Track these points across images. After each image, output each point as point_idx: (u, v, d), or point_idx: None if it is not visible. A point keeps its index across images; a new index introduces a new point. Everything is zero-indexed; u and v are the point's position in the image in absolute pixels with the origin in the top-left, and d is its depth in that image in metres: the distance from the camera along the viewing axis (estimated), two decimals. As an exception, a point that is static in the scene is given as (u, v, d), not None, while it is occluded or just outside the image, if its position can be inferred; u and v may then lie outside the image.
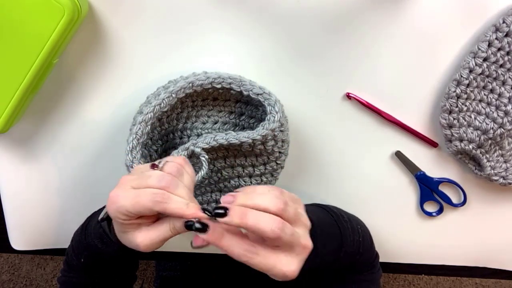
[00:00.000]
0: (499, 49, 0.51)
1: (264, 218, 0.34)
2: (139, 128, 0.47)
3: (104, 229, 0.45)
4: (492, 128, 0.54)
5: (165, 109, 0.48)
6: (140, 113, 0.50)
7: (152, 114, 0.47)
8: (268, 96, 0.49)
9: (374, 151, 0.60)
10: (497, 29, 0.50)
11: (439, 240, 0.65)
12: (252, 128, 0.55)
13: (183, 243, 0.62)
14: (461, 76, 0.52)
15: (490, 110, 0.54)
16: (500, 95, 0.54)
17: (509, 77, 0.53)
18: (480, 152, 0.55)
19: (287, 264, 0.36)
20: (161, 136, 0.55)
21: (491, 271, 0.68)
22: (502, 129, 0.54)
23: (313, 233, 0.39)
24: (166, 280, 0.80)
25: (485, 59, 0.51)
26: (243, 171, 0.53)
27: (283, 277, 0.36)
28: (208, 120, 0.55)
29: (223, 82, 0.49)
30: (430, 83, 0.56)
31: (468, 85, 0.52)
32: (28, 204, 0.62)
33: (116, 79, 0.55)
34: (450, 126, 0.55)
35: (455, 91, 0.53)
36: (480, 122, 0.54)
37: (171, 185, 0.37)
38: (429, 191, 0.61)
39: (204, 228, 0.34)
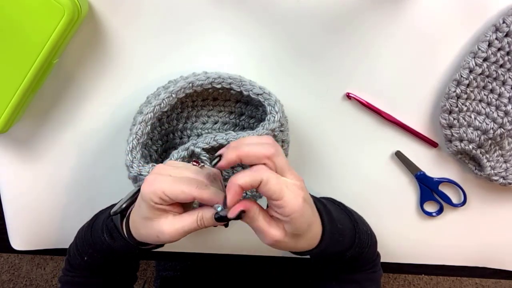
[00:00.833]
0: (499, 49, 0.51)
1: (257, 146, 0.37)
2: (139, 128, 0.47)
3: (116, 223, 0.46)
4: (492, 128, 0.54)
5: (165, 109, 0.48)
6: (140, 113, 0.50)
7: (152, 114, 0.47)
8: (268, 96, 0.49)
9: (374, 151, 0.60)
10: (497, 29, 0.50)
11: (439, 240, 0.65)
12: (252, 128, 0.55)
13: (183, 243, 0.62)
14: (461, 76, 0.52)
15: (490, 110, 0.54)
16: (500, 95, 0.54)
17: (509, 77, 0.53)
18: (480, 152, 0.55)
19: (294, 190, 0.37)
20: (161, 136, 0.55)
21: (491, 271, 0.68)
22: (502, 129, 0.54)
23: (327, 211, 0.42)
24: (166, 280, 0.80)
25: (485, 59, 0.51)
26: (243, 171, 0.53)
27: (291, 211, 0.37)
28: (208, 120, 0.55)
29: (223, 82, 0.49)
30: (430, 83, 0.56)
31: (468, 85, 0.52)
32: (28, 204, 0.62)
33: (116, 79, 0.55)
34: (450, 126, 0.55)
35: (455, 91, 0.53)
36: (480, 122, 0.54)
37: (207, 180, 0.39)
38: (429, 191, 0.61)
39: (237, 218, 0.37)
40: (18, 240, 0.65)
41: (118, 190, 0.61)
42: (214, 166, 0.37)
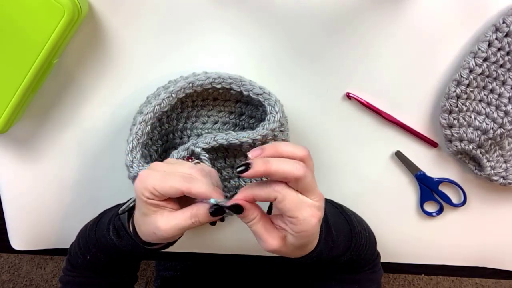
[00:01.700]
0: (499, 49, 0.51)
1: (288, 164, 0.35)
2: (139, 128, 0.47)
3: (123, 222, 0.46)
4: (492, 128, 0.54)
5: (165, 109, 0.48)
6: (140, 113, 0.50)
7: (152, 114, 0.47)
8: (268, 96, 0.49)
9: (374, 151, 0.60)
10: (497, 29, 0.50)
11: (439, 240, 0.65)
12: (252, 128, 0.55)
13: (183, 243, 0.62)
14: (461, 76, 0.52)
15: (490, 110, 0.54)
16: (500, 95, 0.54)
17: (509, 77, 0.53)
18: (480, 152, 0.55)
19: (312, 211, 0.37)
20: (161, 136, 0.55)
21: (491, 271, 0.68)
22: (502, 129, 0.54)
23: (325, 218, 0.41)
24: (166, 280, 0.80)
25: (485, 59, 0.51)
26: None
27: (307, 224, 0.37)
28: (208, 120, 0.55)
29: (223, 82, 0.49)
30: (430, 83, 0.56)
31: (468, 85, 0.52)
32: (28, 204, 0.62)
33: (116, 79, 0.55)
34: (450, 126, 0.55)
35: (455, 91, 0.53)
36: (480, 122, 0.54)
37: (200, 175, 0.39)
38: (429, 191, 0.61)
39: (234, 210, 0.37)
40: (18, 240, 0.65)
41: (118, 190, 0.61)
42: (239, 174, 0.35)
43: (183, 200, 0.40)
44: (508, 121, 0.53)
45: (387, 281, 1.44)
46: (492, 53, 0.51)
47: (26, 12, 0.46)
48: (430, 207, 0.63)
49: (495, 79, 0.53)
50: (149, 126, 0.48)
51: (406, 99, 0.57)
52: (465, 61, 0.52)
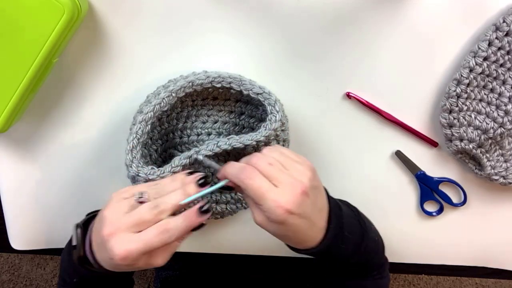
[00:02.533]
0: (499, 49, 0.51)
1: (232, 167, 0.43)
2: (139, 128, 0.47)
3: (86, 268, 0.45)
4: (492, 127, 0.54)
5: (165, 109, 0.48)
6: (140, 113, 0.50)
7: (152, 113, 0.47)
8: (268, 96, 0.49)
9: (374, 151, 0.60)
10: (497, 29, 0.50)
11: (439, 239, 0.64)
12: (252, 128, 0.55)
13: (183, 243, 0.62)
14: (461, 75, 0.52)
15: (490, 110, 0.54)
16: (500, 94, 0.54)
17: (509, 76, 0.53)
18: (480, 152, 0.55)
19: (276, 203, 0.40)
20: (161, 135, 0.55)
21: (491, 271, 0.68)
22: (502, 129, 0.54)
23: (339, 216, 0.45)
24: (166, 280, 0.79)
25: (485, 59, 0.51)
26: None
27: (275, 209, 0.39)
28: (208, 120, 0.55)
29: (223, 81, 0.49)
30: (430, 82, 0.56)
31: (468, 85, 0.52)
32: (28, 204, 0.62)
33: (116, 79, 0.55)
34: (450, 126, 0.55)
35: (455, 91, 0.53)
36: (480, 122, 0.54)
37: (194, 185, 0.42)
38: (429, 191, 0.61)
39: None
40: (18, 240, 0.65)
41: (118, 190, 0.61)
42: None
43: None
44: (508, 121, 0.53)
45: (387, 281, 1.43)
46: (492, 53, 0.51)
47: (26, 11, 0.46)
48: (430, 207, 0.63)
49: (495, 78, 0.53)
50: (149, 126, 0.48)
51: (406, 99, 0.56)
52: (465, 60, 0.52)
